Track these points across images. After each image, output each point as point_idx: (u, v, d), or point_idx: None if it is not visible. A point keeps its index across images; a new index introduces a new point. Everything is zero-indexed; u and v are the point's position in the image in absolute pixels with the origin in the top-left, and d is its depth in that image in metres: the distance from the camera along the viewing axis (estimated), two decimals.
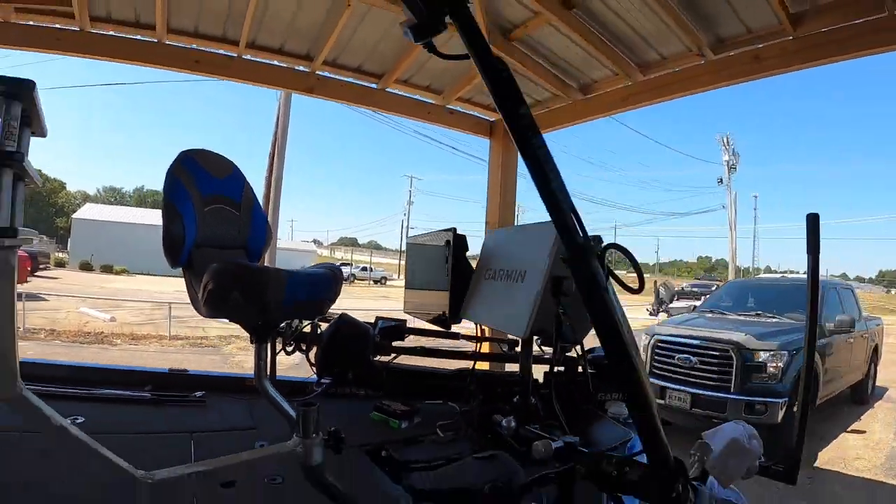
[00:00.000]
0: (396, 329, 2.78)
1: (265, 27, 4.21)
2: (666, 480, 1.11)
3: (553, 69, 4.57)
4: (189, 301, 1.93)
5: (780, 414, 5.44)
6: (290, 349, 2.46)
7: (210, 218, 2.05)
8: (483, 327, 2.63)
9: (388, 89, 4.98)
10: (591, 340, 1.71)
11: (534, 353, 2.39)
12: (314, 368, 2.36)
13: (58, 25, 4.08)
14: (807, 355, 2.27)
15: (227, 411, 2.50)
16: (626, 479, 1.31)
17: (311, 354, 2.37)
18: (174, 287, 20.19)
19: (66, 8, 3.85)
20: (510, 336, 2.38)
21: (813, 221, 2.02)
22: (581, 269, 0.99)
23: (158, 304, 14.93)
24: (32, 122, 1.07)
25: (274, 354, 2.12)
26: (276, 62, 4.61)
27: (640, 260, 1.22)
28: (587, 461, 1.42)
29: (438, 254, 2.61)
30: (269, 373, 2.02)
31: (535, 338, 2.24)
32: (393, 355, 2.70)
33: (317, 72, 4.67)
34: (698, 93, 4.03)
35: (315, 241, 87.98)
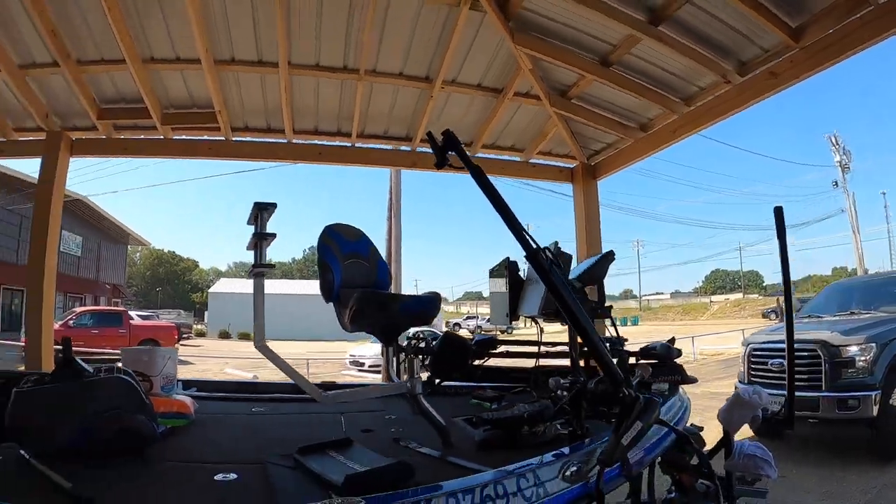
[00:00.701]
0: (489, 341, 3.95)
1: (370, 119, 5.64)
2: (616, 388, 2.09)
3: (612, 115, 5.55)
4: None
5: (875, 407, 5.63)
6: (411, 359, 3.63)
7: (349, 268, 3.14)
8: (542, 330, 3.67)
9: (478, 154, 6.16)
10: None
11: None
12: (429, 372, 3.51)
13: (206, 137, 5.77)
14: (787, 329, 3.14)
15: (363, 403, 3.67)
16: (602, 393, 2.33)
17: (426, 363, 3.56)
18: (307, 349, 22.41)
19: (213, 124, 5.49)
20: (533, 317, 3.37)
21: (778, 213, 2.96)
22: (535, 262, 2.06)
23: (295, 363, 16.69)
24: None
25: (398, 357, 3.27)
26: (382, 146, 6.01)
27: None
28: (582, 387, 2.44)
29: (502, 275, 3.70)
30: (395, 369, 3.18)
31: None
32: (486, 359, 3.84)
33: (417, 148, 5.98)
34: (732, 115, 4.70)
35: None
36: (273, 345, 2.55)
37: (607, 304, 3.28)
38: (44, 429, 1.97)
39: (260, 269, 2.40)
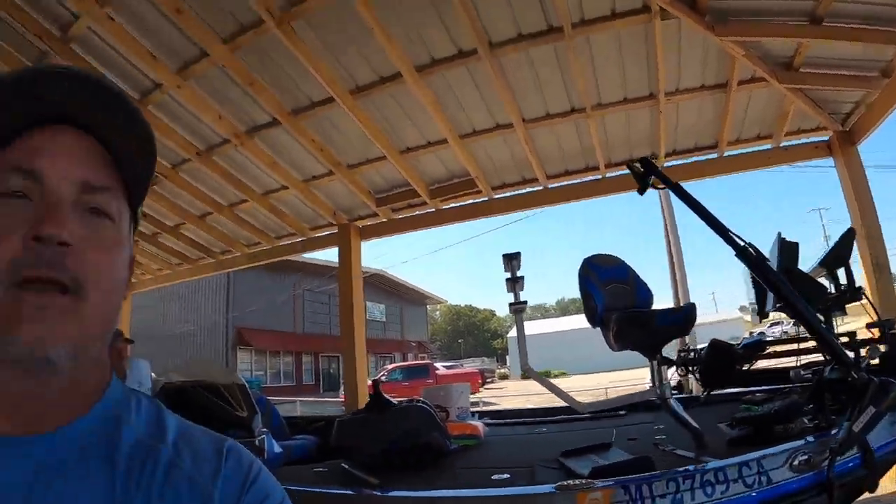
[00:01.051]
0: (757, 344, 3.97)
1: (612, 148, 5.99)
2: (847, 372, 2.18)
3: (847, 71, 4.98)
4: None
5: None
6: (681, 372, 3.86)
7: (609, 293, 3.51)
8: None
9: (725, 153, 6.06)
10: None
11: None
12: (699, 382, 3.70)
13: (472, 201, 6.64)
14: None
15: (637, 418, 3.98)
16: (836, 379, 2.38)
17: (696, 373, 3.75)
18: (608, 379, 22.66)
19: (474, 189, 6.32)
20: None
21: None
22: (743, 258, 2.28)
23: (593, 394, 17.09)
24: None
25: (664, 370, 3.53)
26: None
27: None
28: (821, 378, 2.50)
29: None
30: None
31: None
32: (753, 362, 3.88)
33: (664, 164, 6.06)
34: None
35: (741, 308, 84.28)
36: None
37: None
38: (360, 446, 2.76)
39: (517, 307, 3.04)
